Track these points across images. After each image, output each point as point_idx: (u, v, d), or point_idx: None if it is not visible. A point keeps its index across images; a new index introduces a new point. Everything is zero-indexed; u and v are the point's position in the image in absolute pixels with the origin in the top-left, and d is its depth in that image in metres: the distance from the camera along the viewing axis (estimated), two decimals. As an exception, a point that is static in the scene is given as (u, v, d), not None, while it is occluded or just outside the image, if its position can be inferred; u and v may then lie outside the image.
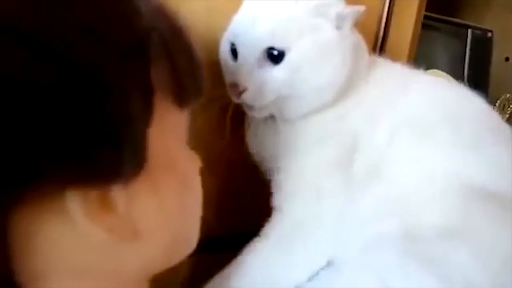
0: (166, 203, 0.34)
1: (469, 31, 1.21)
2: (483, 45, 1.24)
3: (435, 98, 0.63)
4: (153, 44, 0.31)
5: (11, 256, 0.27)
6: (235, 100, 0.58)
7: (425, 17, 0.87)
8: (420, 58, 0.79)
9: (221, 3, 0.62)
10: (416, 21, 0.82)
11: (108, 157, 0.28)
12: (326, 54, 0.57)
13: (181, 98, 0.34)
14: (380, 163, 0.58)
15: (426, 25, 0.94)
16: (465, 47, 1.21)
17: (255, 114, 0.61)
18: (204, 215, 0.39)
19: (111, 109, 0.27)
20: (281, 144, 0.61)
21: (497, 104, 1.21)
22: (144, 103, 0.30)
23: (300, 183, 0.60)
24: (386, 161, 0.58)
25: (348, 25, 0.59)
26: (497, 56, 1.28)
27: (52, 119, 0.26)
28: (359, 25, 0.62)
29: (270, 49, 0.56)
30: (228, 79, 0.59)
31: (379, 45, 0.80)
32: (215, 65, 0.61)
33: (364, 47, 0.64)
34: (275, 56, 0.56)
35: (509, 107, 1.21)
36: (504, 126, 0.62)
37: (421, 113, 0.60)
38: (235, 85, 0.57)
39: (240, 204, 0.70)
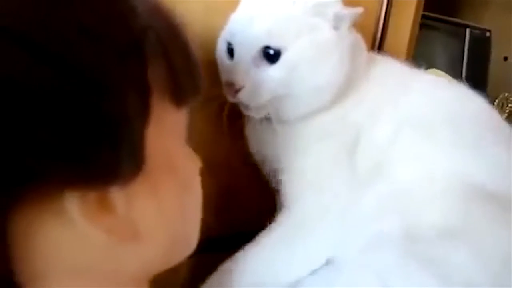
0: (165, 204, 0.34)
1: (468, 30, 1.22)
2: (481, 45, 1.24)
3: (436, 98, 0.63)
4: (149, 43, 0.31)
5: (10, 257, 0.27)
6: (231, 99, 0.58)
7: (424, 16, 0.87)
8: (419, 58, 0.79)
9: (219, 2, 0.62)
10: (414, 21, 0.82)
11: (105, 157, 0.28)
12: (323, 54, 0.57)
13: (178, 97, 0.34)
14: (382, 161, 0.58)
15: (425, 24, 0.94)
16: (464, 47, 1.21)
17: (252, 114, 0.60)
18: (204, 216, 0.39)
19: (108, 108, 0.27)
20: (281, 144, 0.61)
21: (495, 103, 1.21)
22: (141, 103, 0.30)
23: (303, 183, 0.60)
24: (389, 159, 0.58)
25: (345, 25, 0.59)
26: (495, 55, 1.28)
27: (49, 119, 0.25)
28: (357, 25, 0.62)
29: (266, 48, 0.56)
30: (224, 78, 0.59)
31: (377, 45, 0.80)
32: (213, 64, 0.61)
33: (362, 46, 0.64)
34: (271, 56, 0.56)
35: (507, 106, 1.21)
36: (505, 125, 0.62)
37: (423, 113, 0.60)
38: (231, 84, 0.57)
39: (240, 204, 0.70)
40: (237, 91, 0.56)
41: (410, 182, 0.56)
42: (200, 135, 0.58)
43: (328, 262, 0.57)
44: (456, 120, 0.60)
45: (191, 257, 0.39)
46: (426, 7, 0.86)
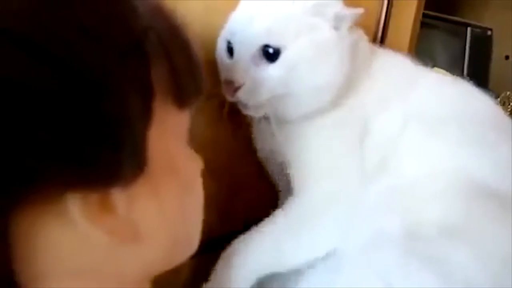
0: (167, 205, 0.34)
1: (469, 29, 1.21)
2: (482, 43, 1.24)
3: (443, 95, 0.63)
4: (150, 43, 0.30)
5: (12, 257, 0.27)
6: (229, 98, 0.58)
7: (425, 15, 0.87)
8: (420, 57, 0.79)
9: (218, 2, 0.62)
10: (415, 21, 0.81)
11: (107, 159, 0.28)
12: (323, 54, 0.57)
13: (180, 98, 0.34)
14: (388, 155, 0.58)
15: (426, 23, 0.94)
16: (465, 46, 1.21)
17: (250, 113, 0.60)
18: (205, 217, 0.39)
19: (109, 110, 0.27)
20: (288, 138, 0.62)
21: (497, 102, 1.20)
22: (142, 104, 0.30)
23: (311, 175, 0.61)
24: (394, 154, 0.58)
25: (346, 26, 0.59)
26: (496, 54, 1.28)
27: (50, 120, 0.25)
28: (358, 25, 0.63)
29: (266, 46, 0.56)
30: (223, 76, 0.59)
31: (378, 45, 0.80)
32: (213, 64, 0.61)
33: (364, 41, 0.64)
34: (270, 54, 0.56)
35: (509, 104, 1.21)
36: (510, 123, 0.63)
37: (430, 108, 0.61)
38: (230, 82, 0.57)
39: (242, 204, 0.70)
40: (236, 89, 0.56)
41: (413, 178, 0.56)
42: (201, 133, 0.58)
43: (330, 255, 0.58)
44: (462, 117, 0.60)
45: (193, 257, 0.39)
46: (427, 6, 0.85)
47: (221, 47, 0.60)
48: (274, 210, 0.61)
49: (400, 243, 0.51)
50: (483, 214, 0.52)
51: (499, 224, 0.52)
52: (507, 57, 1.37)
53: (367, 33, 0.67)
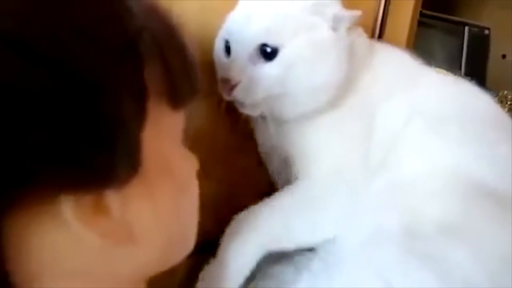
0: (161, 206, 0.34)
1: (466, 28, 1.21)
2: (480, 43, 1.24)
3: (445, 93, 0.63)
4: (145, 44, 0.30)
5: (6, 258, 0.27)
6: (226, 97, 0.58)
7: (422, 14, 0.87)
8: (418, 56, 0.79)
9: (215, 2, 0.62)
10: (412, 20, 0.81)
11: (101, 160, 0.27)
12: (320, 54, 0.57)
13: (175, 99, 0.34)
14: (391, 148, 0.59)
15: (423, 23, 0.94)
16: (462, 45, 1.21)
17: (247, 112, 0.60)
18: (201, 217, 0.39)
19: (103, 111, 0.27)
20: (286, 139, 0.62)
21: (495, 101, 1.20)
22: (137, 105, 0.30)
23: (317, 168, 0.61)
24: (396, 148, 0.58)
25: (344, 27, 0.59)
26: (494, 53, 1.28)
27: (44, 122, 0.25)
28: (355, 24, 0.62)
29: (263, 45, 0.56)
30: (220, 75, 0.59)
31: (376, 43, 0.80)
32: (210, 64, 0.61)
33: (362, 39, 0.65)
34: (268, 53, 0.56)
35: (507, 103, 1.21)
36: (509, 122, 0.63)
37: (432, 107, 0.61)
38: (226, 81, 0.56)
39: (238, 205, 0.70)
40: (232, 87, 0.56)
41: (413, 175, 0.56)
42: (198, 131, 0.58)
43: (329, 253, 0.58)
44: (463, 116, 0.60)
45: (189, 258, 0.39)
46: (424, 5, 0.86)
47: (218, 46, 0.60)
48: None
49: (399, 241, 0.52)
50: (482, 212, 0.53)
51: (497, 223, 0.52)
52: (504, 56, 1.37)
53: (364, 31, 0.67)
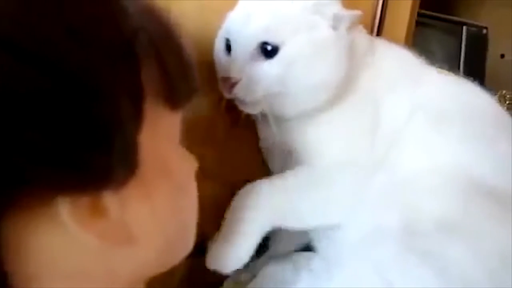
0: (160, 207, 0.34)
1: (464, 28, 1.21)
2: (478, 42, 1.24)
3: (446, 92, 0.64)
4: (141, 45, 0.30)
5: (4, 259, 0.27)
6: (226, 95, 0.58)
7: (420, 14, 0.87)
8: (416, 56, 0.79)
9: (214, 2, 0.62)
10: (410, 20, 0.82)
11: (98, 162, 0.27)
12: (320, 52, 0.57)
13: (172, 100, 0.34)
14: (393, 144, 0.59)
15: (422, 22, 0.94)
16: (460, 44, 1.21)
17: (247, 110, 0.60)
18: (200, 218, 0.39)
19: (99, 112, 0.27)
20: (287, 136, 0.62)
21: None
22: (134, 106, 0.29)
23: (319, 163, 0.61)
24: (398, 144, 0.59)
25: (344, 27, 0.59)
26: (492, 53, 1.28)
27: (39, 123, 0.25)
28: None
29: (264, 44, 0.56)
30: (220, 74, 0.59)
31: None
32: (209, 65, 0.61)
33: (362, 36, 0.65)
34: (268, 51, 0.56)
35: (505, 103, 1.21)
36: (510, 121, 0.63)
37: (434, 104, 0.61)
38: (227, 79, 0.57)
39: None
40: (232, 85, 0.56)
41: (413, 172, 0.57)
42: (198, 130, 0.58)
43: (328, 252, 0.57)
44: (464, 114, 0.61)
45: (187, 258, 0.39)
46: (422, 5, 0.86)
47: (219, 45, 0.60)
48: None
49: (398, 238, 0.52)
50: (481, 210, 0.53)
51: (497, 221, 0.52)
52: (502, 56, 1.37)
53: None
